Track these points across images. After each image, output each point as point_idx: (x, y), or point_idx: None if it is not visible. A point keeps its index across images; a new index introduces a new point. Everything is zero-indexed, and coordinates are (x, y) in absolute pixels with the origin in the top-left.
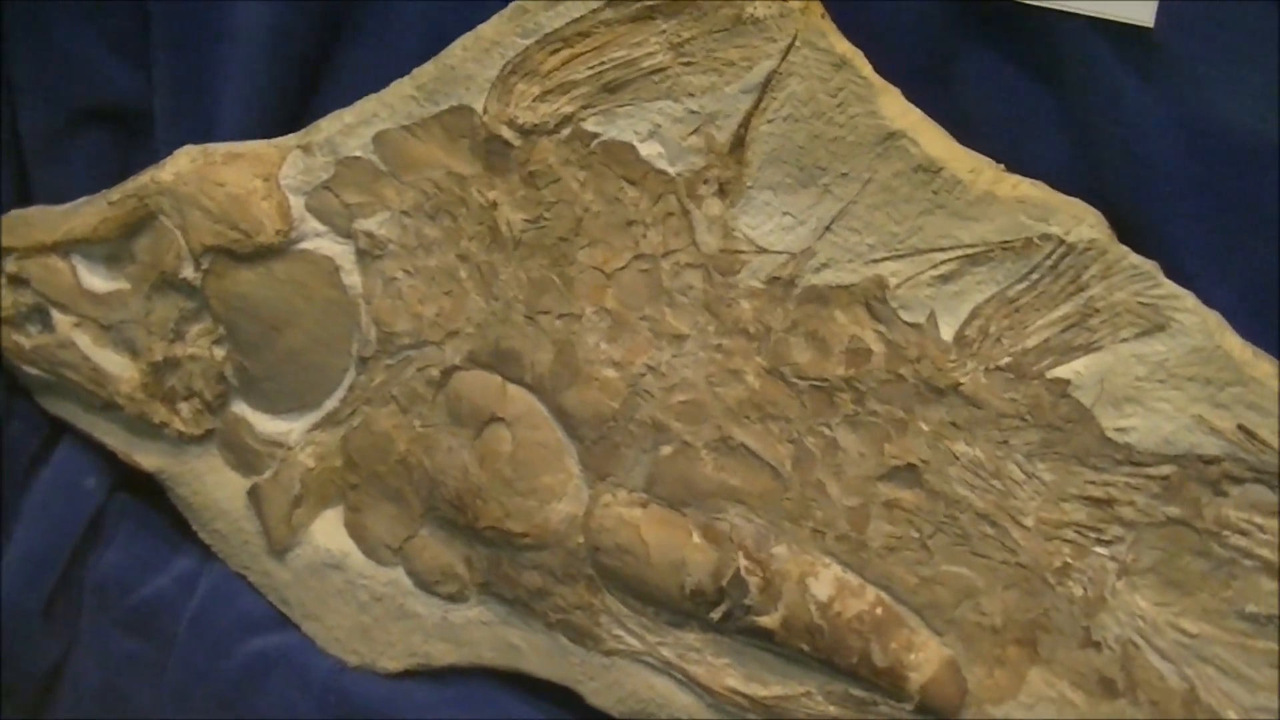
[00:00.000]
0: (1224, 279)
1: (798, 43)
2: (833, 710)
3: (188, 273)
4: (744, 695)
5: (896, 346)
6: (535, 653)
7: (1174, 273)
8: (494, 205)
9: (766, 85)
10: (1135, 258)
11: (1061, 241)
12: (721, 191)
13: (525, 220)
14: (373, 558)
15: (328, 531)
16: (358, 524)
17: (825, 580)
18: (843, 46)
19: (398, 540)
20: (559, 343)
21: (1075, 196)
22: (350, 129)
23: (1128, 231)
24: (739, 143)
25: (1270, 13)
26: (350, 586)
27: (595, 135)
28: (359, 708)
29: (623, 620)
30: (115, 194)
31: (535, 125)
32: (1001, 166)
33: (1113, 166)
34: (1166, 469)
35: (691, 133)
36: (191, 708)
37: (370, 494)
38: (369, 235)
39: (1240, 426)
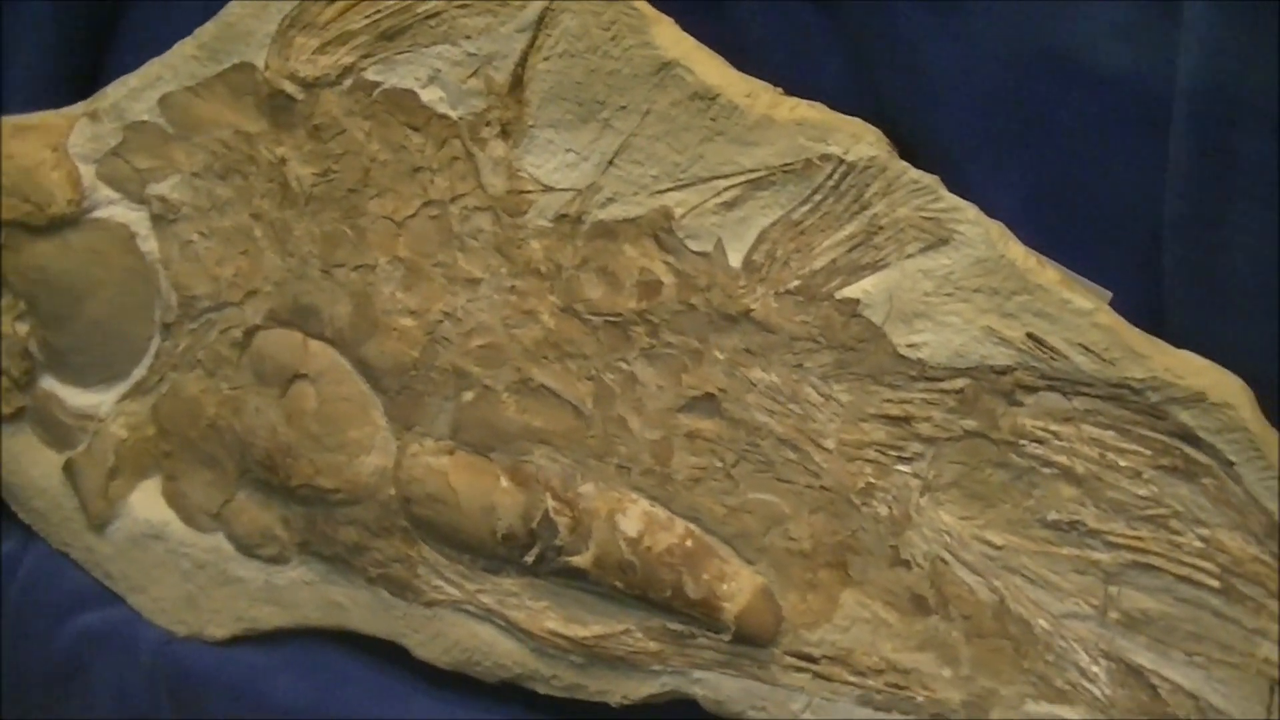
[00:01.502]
0: (1005, 188)
1: None
2: (653, 646)
3: None
4: (565, 637)
5: (686, 276)
6: (359, 609)
7: (956, 185)
8: (282, 161)
9: (540, 23)
10: (915, 173)
11: (841, 161)
12: (504, 132)
13: (314, 174)
14: (192, 525)
15: (146, 502)
16: (175, 492)
17: (633, 516)
18: None
19: (215, 505)
20: (356, 295)
21: (854, 116)
22: (136, 93)
23: (909, 147)
24: (518, 82)
25: None
26: (172, 556)
27: (377, 84)
28: (189, 677)
29: (440, 570)
30: None
31: (317, 78)
32: (779, 90)
33: (890, 84)
34: (960, 382)
35: (471, 75)
36: (21, 690)
37: (185, 461)
38: (162, 199)
39: (1029, 335)
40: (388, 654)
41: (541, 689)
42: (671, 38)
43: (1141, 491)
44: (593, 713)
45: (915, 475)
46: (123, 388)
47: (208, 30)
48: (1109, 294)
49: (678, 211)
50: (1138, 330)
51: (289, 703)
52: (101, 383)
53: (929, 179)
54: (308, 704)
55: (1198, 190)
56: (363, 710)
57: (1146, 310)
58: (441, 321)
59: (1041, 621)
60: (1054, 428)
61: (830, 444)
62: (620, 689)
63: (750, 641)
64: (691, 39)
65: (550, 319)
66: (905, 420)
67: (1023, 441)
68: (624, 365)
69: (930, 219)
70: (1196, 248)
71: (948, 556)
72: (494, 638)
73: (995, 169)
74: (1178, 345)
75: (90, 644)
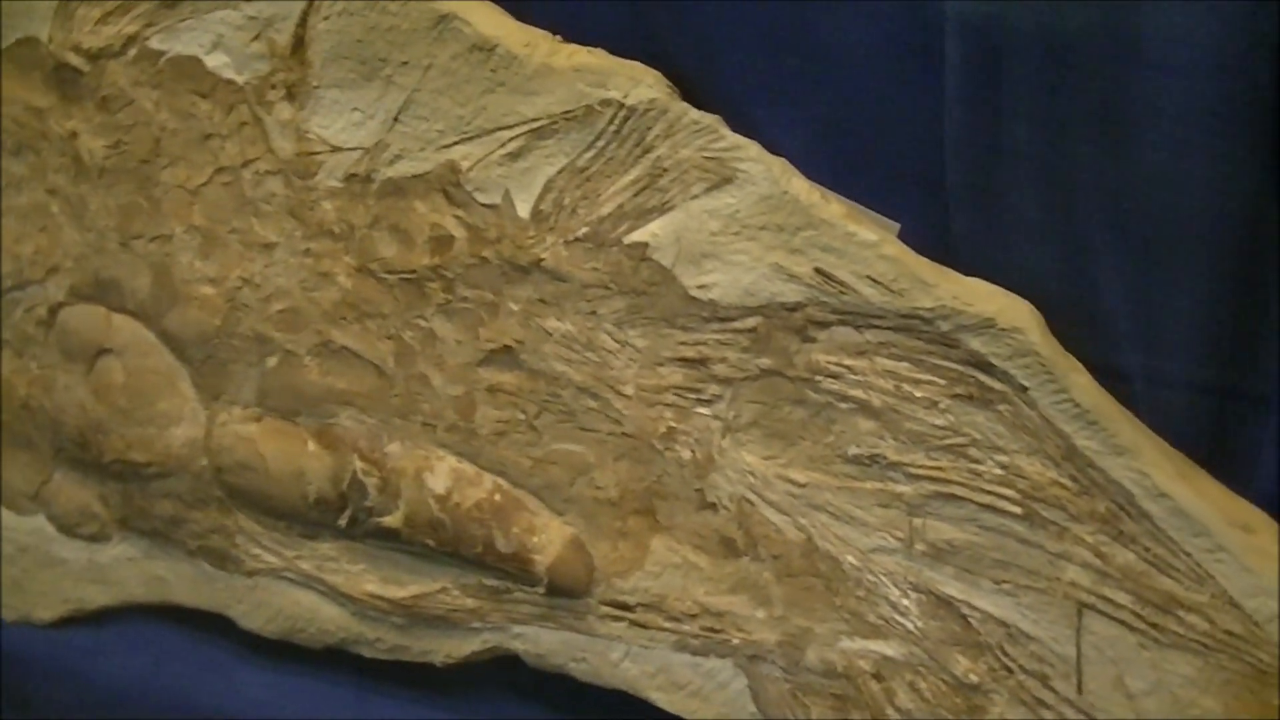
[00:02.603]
0: (788, 125)
1: None
2: (470, 603)
3: None
4: (384, 599)
5: (477, 230)
6: (182, 583)
7: (739, 125)
8: (74, 135)
9: None
10: (696, 113)
11: (622, 105)
12: (289, 95)
13: (106, 147)
14: (13, 508)
15: None
16: None
17: (441, 473)
18: None
19: (33, 487)
20: (155, 266)
21: (634, 60)
22: None
23: (690, 89)
24: (299, 43)
25: None
26: None
27: (161, 53)
28: (19, 663)
29: (258, 539)
30: None
31: (101, 49)
32: (557, 38)
33: (668, 25)
34: (752, 321)
35: (254, 39)
36: None
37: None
38: None
39: (817, 269)
40: (214, 626)
41: (367, 652)
42: None
43: (939, 421)
44: (419, 674)
45: (715, 417)
46: None
47: None
48: (897, 225)
49: (464, 165)
50: (925, 259)
51: (119, 681)
52: None
53: (710, 119)
54: (137, 681)
55: (974, 116)
56: (192, 684)
57: (936, 239)
58: (241, 288)
59: (850, 557)
60: (848, 362)
61: (629, 390)
62: (443, 648)
63: (564, 593)
64: None
65: (346, 280)
66: (701, 362)
67: (818, 377)
68: (422, 322)
69: (713, 159)
70: (976, 174)
71: (753, 497)
72: (316, 604)
73: (777, 106)
74: (966, 273)
75: None
